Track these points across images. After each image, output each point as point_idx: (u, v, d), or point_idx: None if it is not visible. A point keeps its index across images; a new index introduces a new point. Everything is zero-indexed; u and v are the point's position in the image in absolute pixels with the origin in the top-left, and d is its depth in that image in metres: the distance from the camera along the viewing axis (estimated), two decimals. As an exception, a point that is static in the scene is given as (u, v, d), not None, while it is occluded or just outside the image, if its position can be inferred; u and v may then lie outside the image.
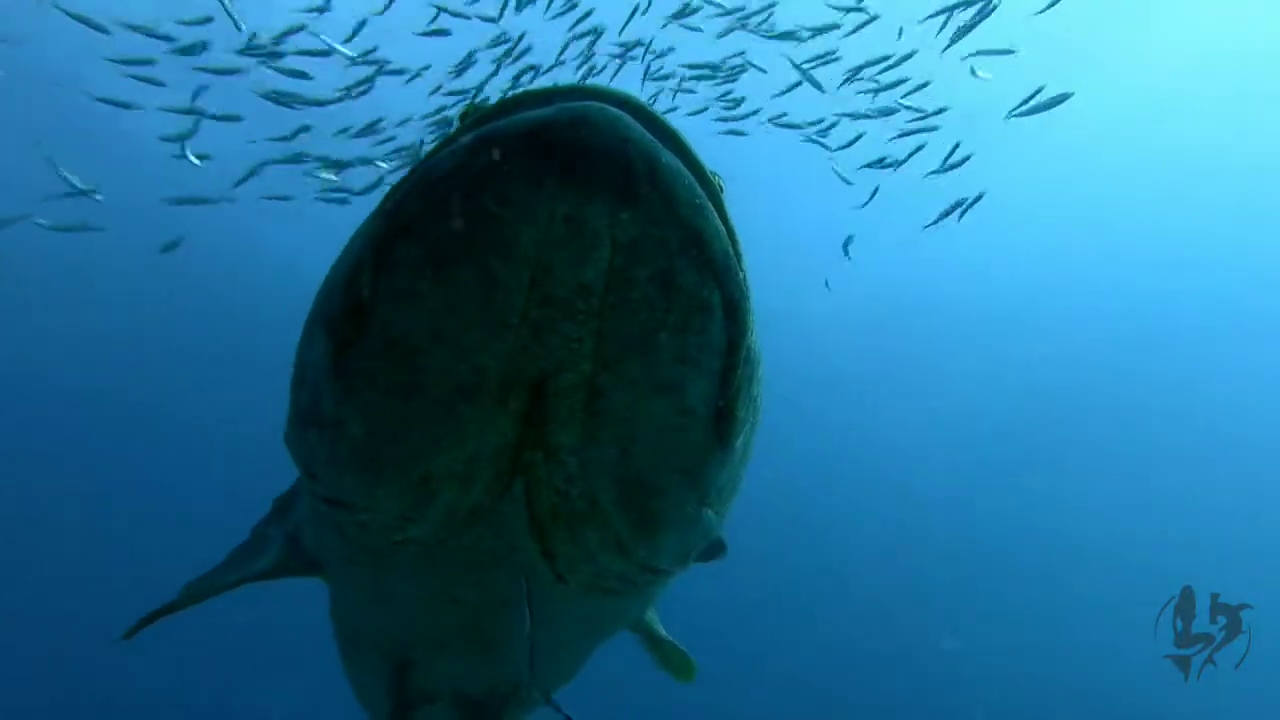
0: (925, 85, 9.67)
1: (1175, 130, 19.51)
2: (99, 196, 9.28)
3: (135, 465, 21.50)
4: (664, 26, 9.40)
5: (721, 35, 9.55)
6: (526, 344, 0.94)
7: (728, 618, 17.66)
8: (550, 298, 0.92)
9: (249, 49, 8.61)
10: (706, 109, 10.90)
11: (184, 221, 10.61)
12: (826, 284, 13.54)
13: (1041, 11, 8.29)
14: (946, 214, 9.06)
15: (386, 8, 8.53)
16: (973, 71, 8.67)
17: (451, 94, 9.71)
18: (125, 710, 15.40)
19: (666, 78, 10.16)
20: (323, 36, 8.59)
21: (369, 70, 9.11)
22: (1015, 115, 8.27)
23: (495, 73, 9.44)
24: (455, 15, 9.19)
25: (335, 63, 8.94)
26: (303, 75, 8.32)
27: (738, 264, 1.00)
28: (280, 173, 10.41)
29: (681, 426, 1.04)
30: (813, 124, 10.52)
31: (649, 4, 9.08)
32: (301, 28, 8.56)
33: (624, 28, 9.31)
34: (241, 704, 16.00)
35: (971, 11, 7.72)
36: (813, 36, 9.33)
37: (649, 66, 9.70)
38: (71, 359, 20.62)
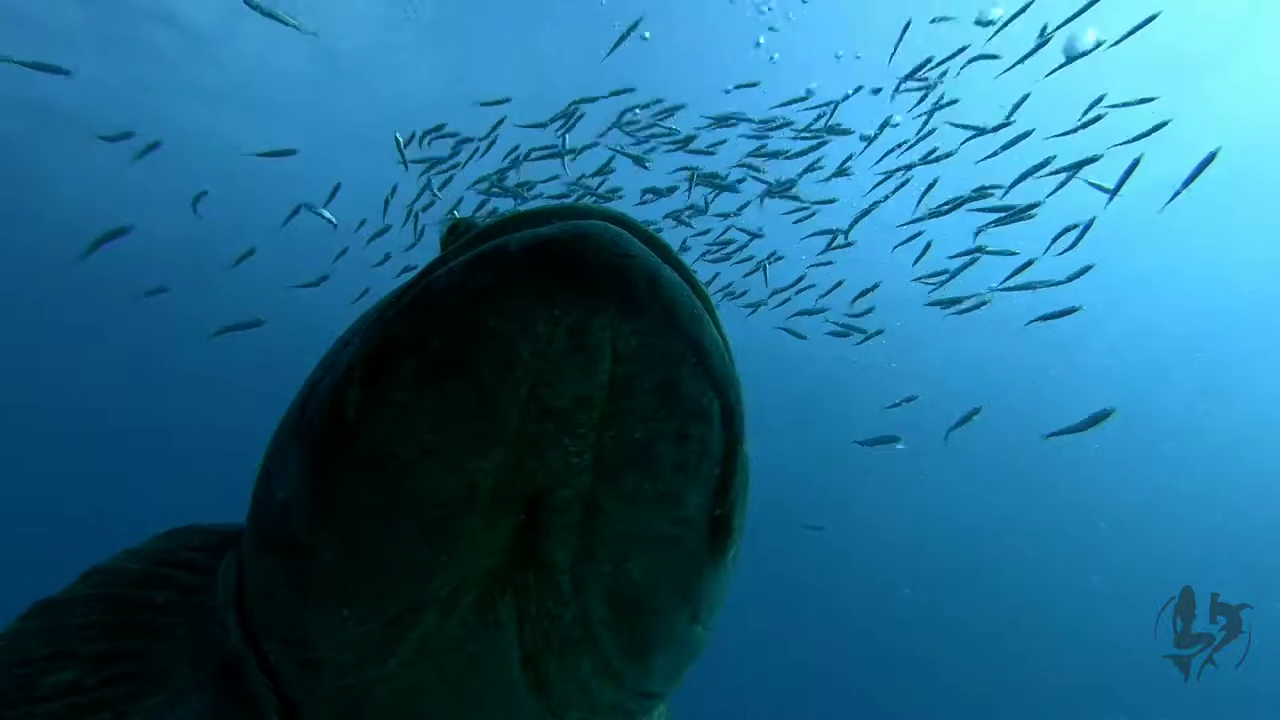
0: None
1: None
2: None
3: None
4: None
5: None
6: (524, 458, 0.93)
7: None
8: (550, 411, 0.91)
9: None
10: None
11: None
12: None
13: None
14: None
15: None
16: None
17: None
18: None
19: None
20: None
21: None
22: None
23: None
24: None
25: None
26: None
27: (734, 371, 1.01)
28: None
29: (678, 539, 1.04)
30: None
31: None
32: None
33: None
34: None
35: None
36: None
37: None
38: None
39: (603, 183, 9.49)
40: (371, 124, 14.89)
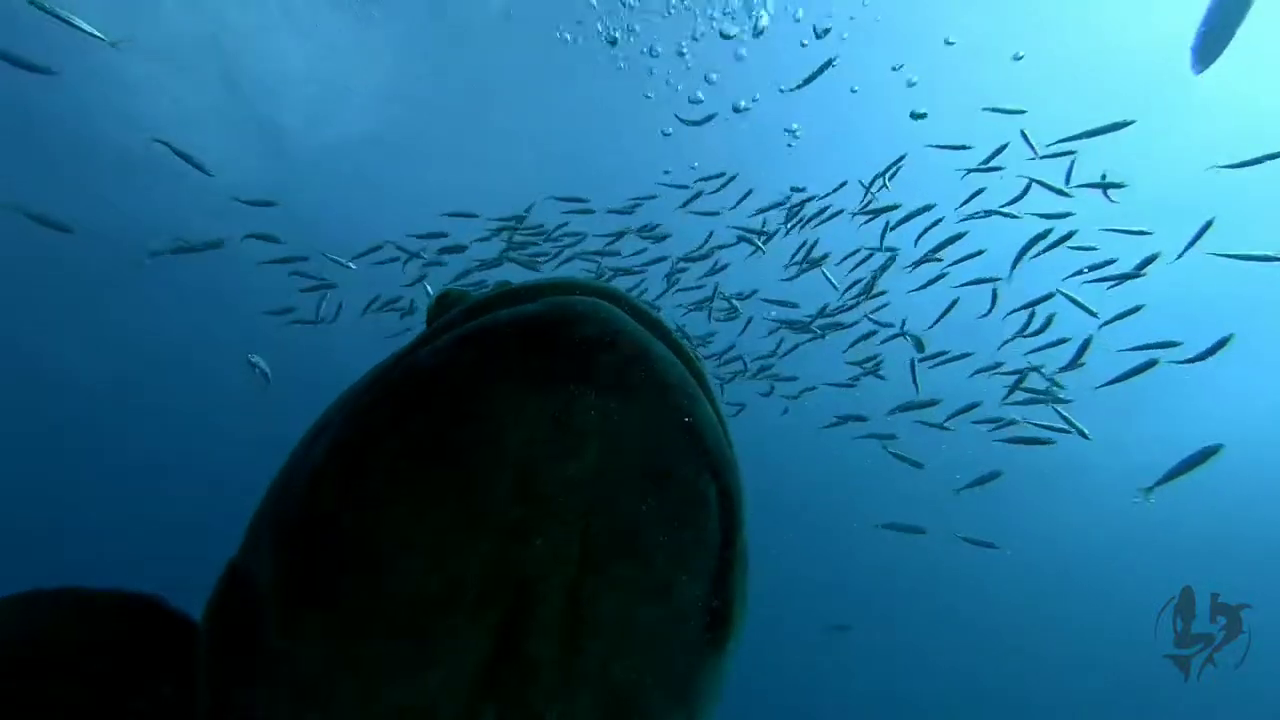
0: None
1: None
2: None
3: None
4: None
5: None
6: (508, 548, 0.88)
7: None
8: (535, 496, 0.87)
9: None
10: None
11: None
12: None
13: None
14: None
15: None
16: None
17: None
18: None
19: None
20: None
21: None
22: None
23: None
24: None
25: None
26: None
27: (731, 452, 0.97)
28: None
29: (672, 634, 0.98)
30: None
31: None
32: None
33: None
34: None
35: None
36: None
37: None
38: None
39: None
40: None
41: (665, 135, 12.78)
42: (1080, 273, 8.79)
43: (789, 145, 13.55)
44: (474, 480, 0.87)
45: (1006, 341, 9.68)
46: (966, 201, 9.04)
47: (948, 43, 11.10)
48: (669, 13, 11.05)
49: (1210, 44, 6.09)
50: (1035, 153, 7.96)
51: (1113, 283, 8.54)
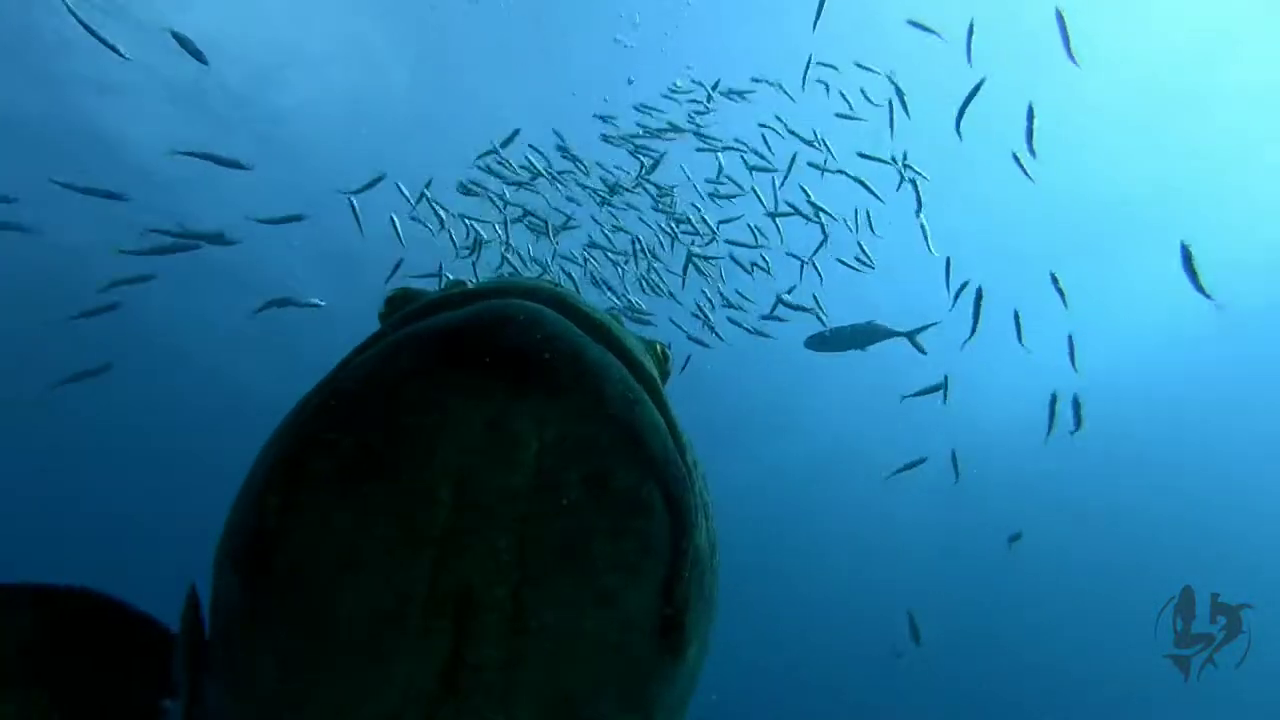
0: None
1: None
2: None
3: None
4: None
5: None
6: (447, 557, 0.88)
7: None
8: (472, 505, 0.86)
9: None
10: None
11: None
12: None
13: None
14: None
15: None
16: None
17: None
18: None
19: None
20: None
21: None
22: None
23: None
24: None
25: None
26: None
27: (680, 457, 0.94)
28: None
29: (621, 644, 0.96)
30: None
31: None
32: None
33: None
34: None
35: None
36: None
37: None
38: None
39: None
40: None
41: (630, 83, 12.66)
42: None
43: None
44: (409, 495, 0.86)
45: None
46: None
47: None
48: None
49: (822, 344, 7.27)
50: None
51: None
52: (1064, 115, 13.45)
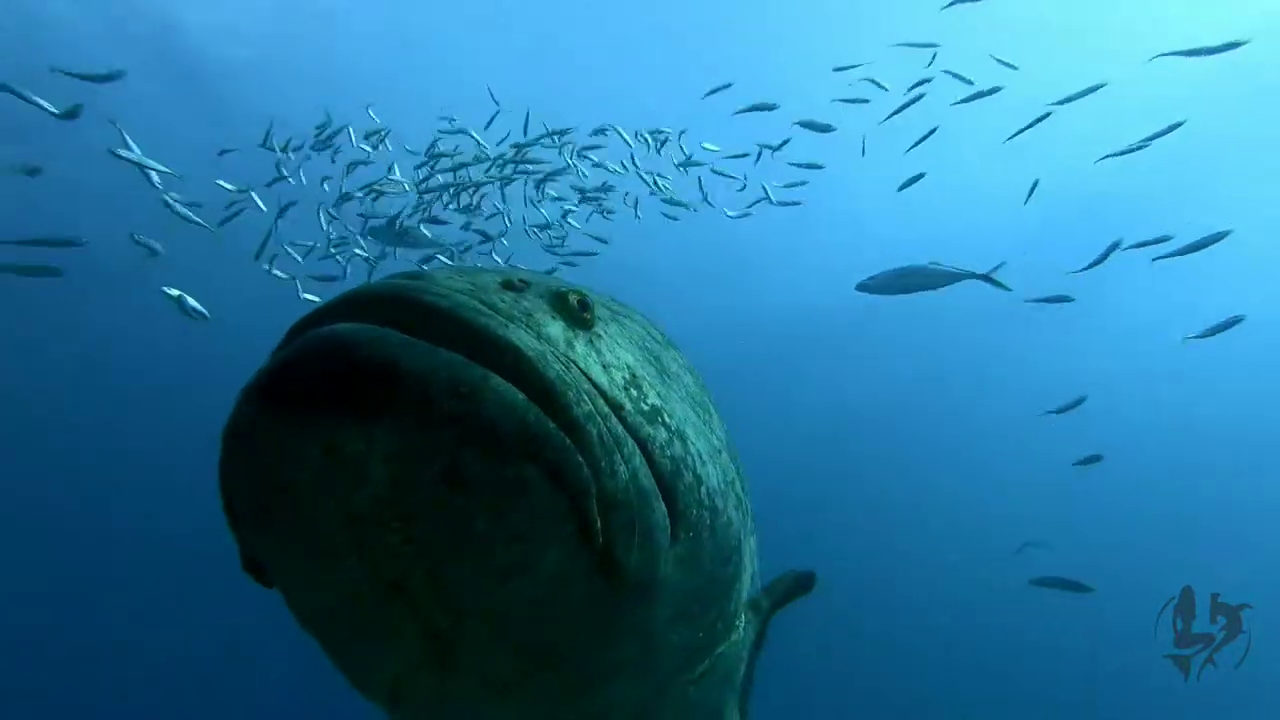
0: None
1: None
2: None
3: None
4: None
5: None
6: (361, 559, 0.96)
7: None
8: (353, 517, 0.93)
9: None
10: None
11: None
12: None
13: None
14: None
15: None
16: None
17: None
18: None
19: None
20: None
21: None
22: None
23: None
24: None
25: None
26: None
27: (554, 425, 0.97)
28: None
29: (556, 595, 1.03)
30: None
31: None
32: None
33: None
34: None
35: None
36: None
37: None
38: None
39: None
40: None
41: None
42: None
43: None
44: (303, 521, 0.95)
45: None
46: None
47: None
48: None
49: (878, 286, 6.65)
50: None
51: None
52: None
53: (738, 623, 1.49)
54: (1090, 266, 7.73)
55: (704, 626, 1.32)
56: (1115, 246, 7.33)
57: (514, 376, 0.96)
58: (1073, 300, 8.16)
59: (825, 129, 8.39)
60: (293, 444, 0.90)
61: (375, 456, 0.89)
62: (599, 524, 1.00)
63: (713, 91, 9.66)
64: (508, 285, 1.13)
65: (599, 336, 1.19)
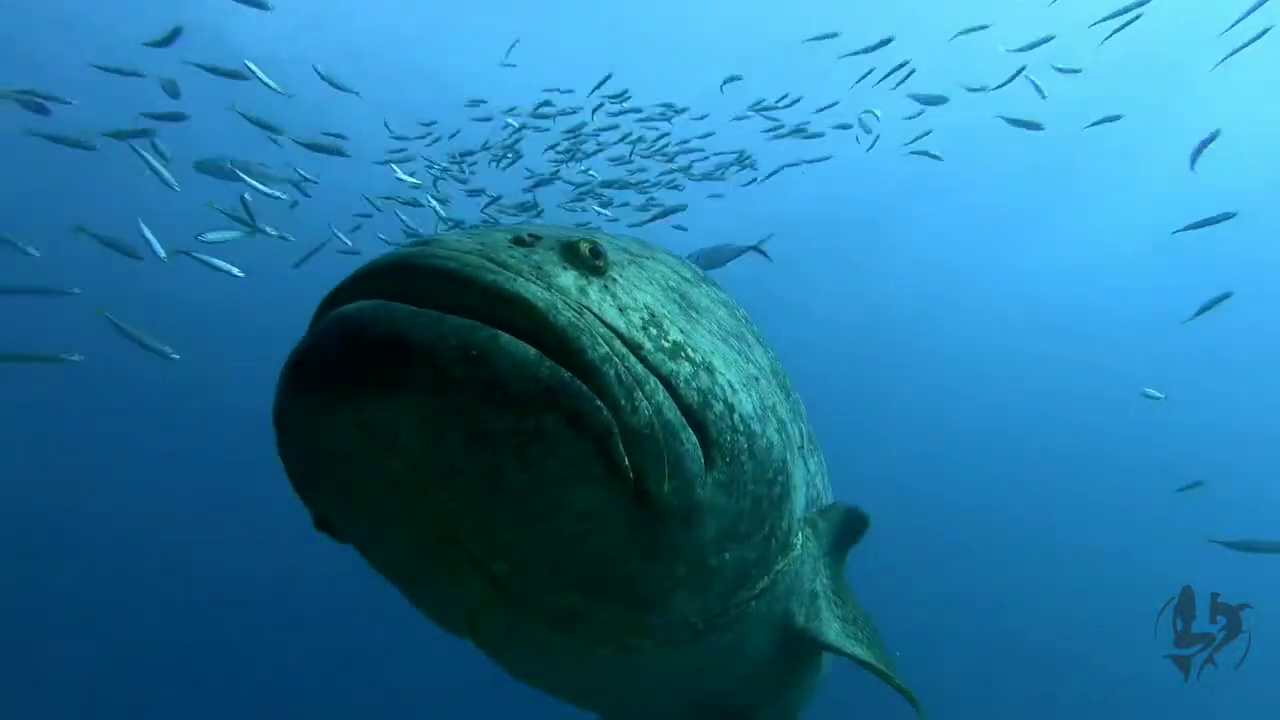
0: None
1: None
2: None
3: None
4: None
5: None
6: (413, 518, 1.04)
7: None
8: (396, 482, 1.00)
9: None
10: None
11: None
12: None
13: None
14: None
15: None
16: None
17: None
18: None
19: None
20: None
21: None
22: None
23: None
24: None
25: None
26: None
27: (569, 373, 1.01)
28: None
29: (598, 531, 1.09)
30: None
31: None
32: None
33: None
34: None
35: None
36: None
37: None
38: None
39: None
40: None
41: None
42: None
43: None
44: (346, 485, 1.03)
45: None
46: None
47: None
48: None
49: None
50: None
51: None
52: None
53: (794, 539, 1.54)
54: None
55: (756, 544, 1.35)
56: None
57: (525, 330, 1.00)
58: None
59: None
60: (325, 423, 0.97)
61: (403, 425, 0.95)
62: (626, 460, 1.05)
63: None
64: (517, 241, 1.16)
65: (614, 281, 1.21)
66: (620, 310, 1.16)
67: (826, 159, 10.76)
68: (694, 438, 1.15)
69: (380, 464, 0.98)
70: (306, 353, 1.00)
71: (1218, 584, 5.87)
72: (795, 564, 1.58)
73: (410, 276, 1.02)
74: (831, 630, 1.77)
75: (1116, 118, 8.90)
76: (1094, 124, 9.08)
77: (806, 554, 1.67)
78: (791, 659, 1.89)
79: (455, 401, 0.95)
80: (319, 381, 0.98)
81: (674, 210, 8.95)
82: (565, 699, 1.89)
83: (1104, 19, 7.55)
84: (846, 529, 1.85)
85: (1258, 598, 5.68)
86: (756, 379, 1.43)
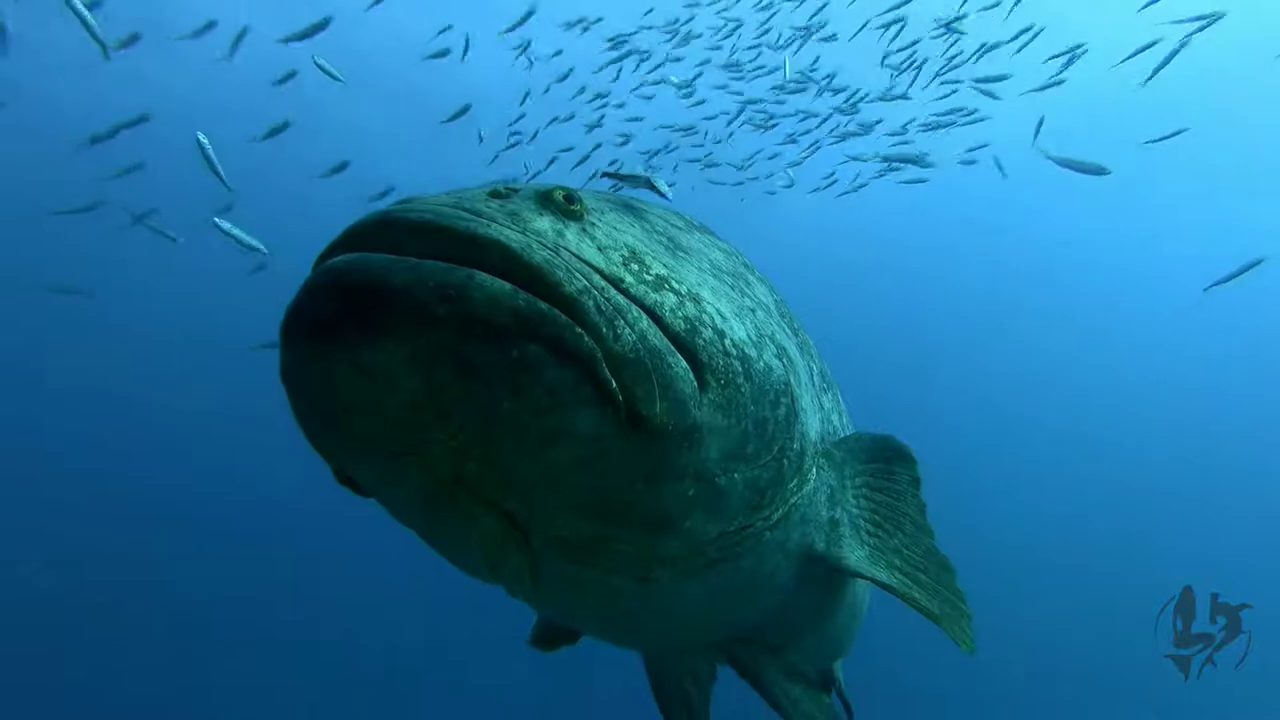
0: None
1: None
2: None
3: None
4: None
5: None
6: (424, 460, 1.08)
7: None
8: (399, 424, 1.04)
9: None
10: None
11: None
12: None
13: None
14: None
15: None
16: None
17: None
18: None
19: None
20: None
21: None
22: None
23: None
24: None
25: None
26: None
27: (546, 305, 1.05)
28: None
29: (599, 454, 1.12)
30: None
31: None
32: None
33: None
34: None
35: None
36: None
37: None
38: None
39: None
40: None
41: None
42: None
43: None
44: (362, 434, 1.06)
45: None
46: None
47: None
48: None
49: None
50: None
51: None
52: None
53: (807, 465, 1.55)
54: None
55: (767, 464, 1.38)
56: None
57: (501, 269, 1.04)
58: None
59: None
60: (324, 371, 1.01)
61: (396, 366, 0.99)
62: (614, 384, 1.07)
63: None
64: (495, 194, 1.20)
65: (593, 225, 1.25)
66: (600, 250, 1.20)
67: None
68: (683, 362, 1.19)
69: (381, 407, 1.01)
70: (296, 308, 1.04)
71: (1218, 584, 5.87)
72: (810, 491, 1.61)
73: (390, 230, 1.06)
74: (854, 555, 1.74)
75: None
76: None
77: (822, 481, 1.69)
78: (821, 588, 1.91)
79: (440, 338, 0.99)
80: (311, 333, 1.01)
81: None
82: (598, 636, 1.92)
83: None
84: (877, 456, 1.83)
85: (1258, 598, 5.68)
86: (752, 310, 1.48)
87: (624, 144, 10.59)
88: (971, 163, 11.11)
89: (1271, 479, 23.32)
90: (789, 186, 11.41)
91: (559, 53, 11.10)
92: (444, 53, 8.94)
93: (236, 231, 6.55)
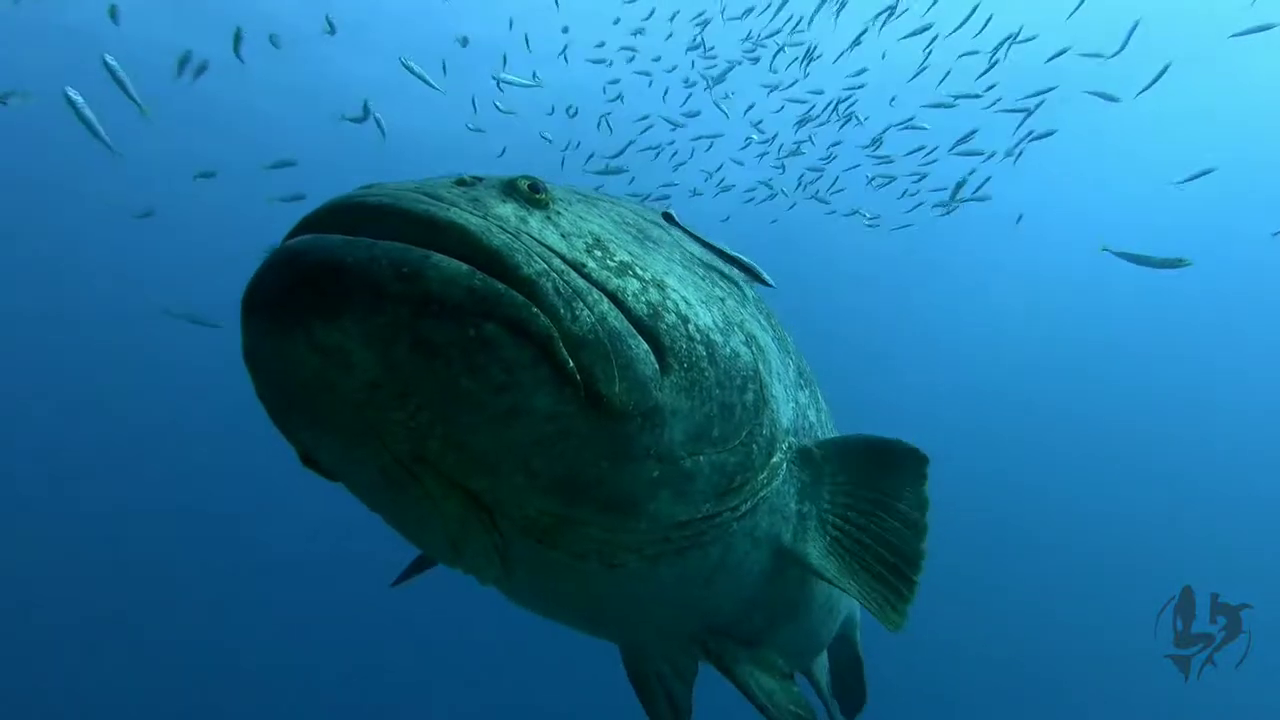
0: None
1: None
2: None
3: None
4: None
5: None
6: (381, 439, 1.07)
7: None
8: (358, 403, 1.03)
9: None
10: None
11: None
12: None
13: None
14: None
15: None
16: None
17: None
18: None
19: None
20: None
21: None
22: None
23: None
24: None
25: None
26: None
27: (503, 285, 1.05)
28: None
29: (560, 433, 1.11)
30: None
31: None
32: None
33: None
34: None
35: None
36: None
37: None
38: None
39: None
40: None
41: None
42: None
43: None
44: (314, 410, 1.06)
45: None
46: None
47: None
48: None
49: None
50: None
51: None
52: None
53: (777, 456, 1.54)
54: None
55: (735, 449, 1.37)
56: None
57: (459, 251, 1.04)
58: None
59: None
60: (281, 350, 1.00)
61: (352, 345, 0.98)
62: (571, 364, 1.07)
63: None
64: (460, 182, 1.20)
65: (557, 214, 1.26)
66: (563, 236, 1.20)
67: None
68: (645, 345, 1.19)
69: (340, 386, 1.01)
70: (252, 286, 1.03)
71: (1218, 584, 5.87)
72: (781, 488, 1.61)
73: (350, 213, 1.06)
74: (815, 550, 1.74)
75: None
76: None
77: (794, 475, 1.69)
78: (794, 581, 1.91)
79: (396, 316, 0.98)
80: (268, 312, 1.00)
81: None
82: (572, 625, 1.91)
83: None
84: (869, 457, 1.78)
85: (1258, 598, 5.68)
86: (722, 299, 1.48)
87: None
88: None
89: (1272, 479, 23.32)
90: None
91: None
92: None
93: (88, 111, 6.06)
